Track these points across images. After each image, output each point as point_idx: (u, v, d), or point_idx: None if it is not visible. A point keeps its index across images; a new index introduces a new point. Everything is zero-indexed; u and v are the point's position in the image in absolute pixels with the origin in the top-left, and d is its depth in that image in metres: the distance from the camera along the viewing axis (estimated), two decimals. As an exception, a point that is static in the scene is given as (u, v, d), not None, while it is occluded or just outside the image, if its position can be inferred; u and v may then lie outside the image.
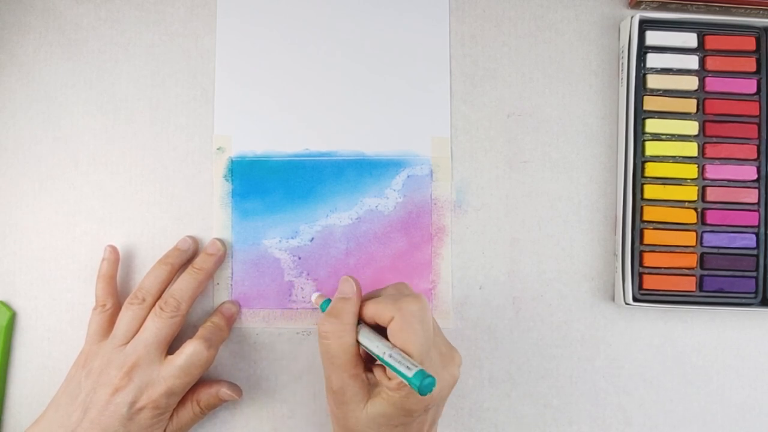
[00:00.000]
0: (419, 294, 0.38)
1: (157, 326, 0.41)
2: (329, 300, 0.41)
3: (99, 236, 0.46)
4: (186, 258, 0.44)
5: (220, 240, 0.45)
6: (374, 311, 0.38)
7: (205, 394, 0.43)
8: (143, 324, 0.41)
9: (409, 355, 0.35)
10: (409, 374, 0.33)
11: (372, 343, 0.37)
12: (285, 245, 0.46)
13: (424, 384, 0.33)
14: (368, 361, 0.39)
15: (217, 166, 0.46)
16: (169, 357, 0.41)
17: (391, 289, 0.40)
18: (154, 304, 0.42)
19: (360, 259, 0.46)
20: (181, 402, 0.42)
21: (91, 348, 0.42)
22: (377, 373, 0.37)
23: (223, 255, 0.45)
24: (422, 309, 0.37)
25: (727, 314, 0.46)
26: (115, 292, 0.44)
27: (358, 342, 0.38)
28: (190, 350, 0.41)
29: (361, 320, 0.39)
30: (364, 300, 0.39)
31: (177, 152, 0.46)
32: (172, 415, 0.42)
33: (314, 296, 0.43)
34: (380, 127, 0.46)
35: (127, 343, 0.41)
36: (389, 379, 0.36)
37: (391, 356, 0.35)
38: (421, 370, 0.33)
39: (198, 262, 0.44)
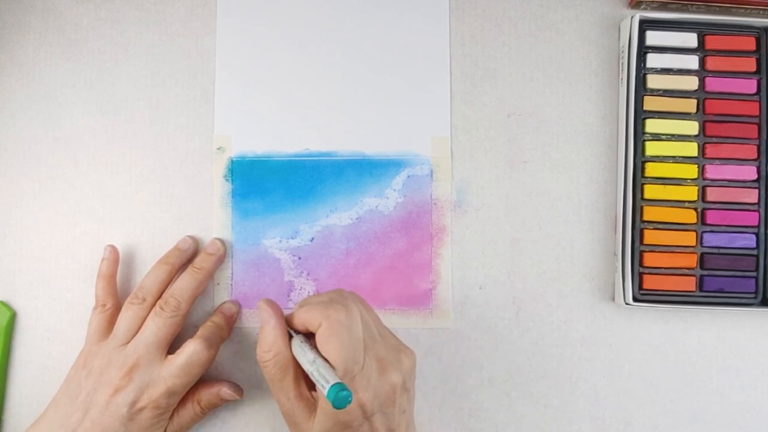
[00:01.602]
0: (349, 303, 0.37)
1: (157, 326, 0.41)
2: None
3: (99, 236, 0.46)
4: (186, 258, 0.44)
5: (220, 240, 0.45)
6: (305, 318, 0.37)
7: (206, 394, 0.43)
8: (143, 324, 0.41)
9: (333, 365, 0.34)
10: (326, 388, 0.33)
11: (301, 353, 0.36)
12: (285, 245, 0.46)
13: (338, 398, 0.32)
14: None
15: (217, 166, 0.46)
16: (170, 357, 0.41)
17: (325, 296, 0.39)
18: (154, 304, 0.42)
19: (360, 259, 0.46)
20: (182, 402, 0.42)
21: (91, 348, 0.42)
22: (317, 386, 0.37)
23: (223, 255, 0.45)
24: (350, 318, 0.36)
25: (727, 314, 0.46)
26: (115, 292, 0.44)
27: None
28: (191, 350, 0.41)
29: (294, 331, 0.38)
30: (298, 306, 0.39)
31: (177, 152, 0.46)
32: (172, 415, 0.42)
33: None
34: (380, 127, 0.46)
35: (128, 343, 0.41)
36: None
37: (313, 370, 0.34)
38: (335, 385, 0.32)
39: (198, 261, 0.44)
